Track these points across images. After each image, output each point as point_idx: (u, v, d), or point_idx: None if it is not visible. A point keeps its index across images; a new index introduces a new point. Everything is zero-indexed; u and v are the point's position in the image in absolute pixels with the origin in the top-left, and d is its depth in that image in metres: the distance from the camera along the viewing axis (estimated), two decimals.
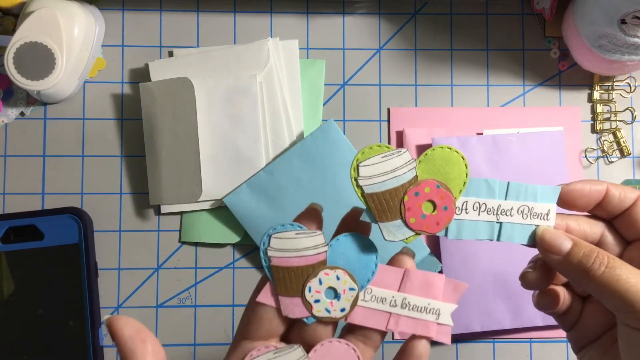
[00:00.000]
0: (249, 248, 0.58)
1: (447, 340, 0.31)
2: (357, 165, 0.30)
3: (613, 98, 0.59)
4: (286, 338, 0.32)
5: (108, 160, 0.58)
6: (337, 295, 0.31)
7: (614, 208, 0.33)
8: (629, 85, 0.59)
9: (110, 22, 0.59)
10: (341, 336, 0.32)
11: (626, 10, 0.49)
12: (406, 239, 0.31)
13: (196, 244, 0.58)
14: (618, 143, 0.59)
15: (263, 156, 0.56)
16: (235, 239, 0.57)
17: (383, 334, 0.32)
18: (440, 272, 0.55)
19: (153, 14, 0.59)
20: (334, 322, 0.31)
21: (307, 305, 0.31)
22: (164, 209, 0.57)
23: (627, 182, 0.58)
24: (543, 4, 0.57)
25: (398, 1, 0.60)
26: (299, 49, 0.58)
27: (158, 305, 0.57)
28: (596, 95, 0.59)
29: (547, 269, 0.34)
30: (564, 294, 0.35)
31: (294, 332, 0.32)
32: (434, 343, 0.31)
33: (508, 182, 0.32)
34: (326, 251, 0.31)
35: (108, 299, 0.57)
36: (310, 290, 0.31)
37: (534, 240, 0.32)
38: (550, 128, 0.57)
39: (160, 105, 0.56)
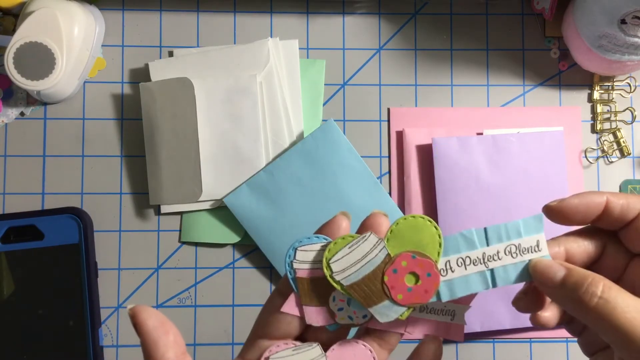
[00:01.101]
0: (249, 248, 0.58)
1: (460, 338, 0.32)
2: (328, 263, 0.30)
3: (613, 98, 0.59)
4: (301, 337, 0.32)
5: (108, 160, 0.58)
6: None
7: (616, 220, 0.31)
8: (629, 85, 0.59)
9: (110, 22, 0.59)
10: (357, 337, 0.32)
11: (626, 10, 0.49)
12: (401, 315, 0.30)
13: (196, 244, 0.58)
14: (618, 143, 0.59)
15: (263, 156, 0.56)
16: (235, 239, 0.57)
17: (399, 336, 0.32)
18: None
19: (153, 14, 0.59)
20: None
21: (331, 314, 0.31)
22: (164, 209, 0.57)
23: (627, 182, 0.58)
24: (543, 4, 0.57)
25: (398, 1, 0.60)
26: (299, 49, 0.58)
27: (158, 305, 0.57)
28: (596, 95, 0.59)
29: (538, 292, 0.32)
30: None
31: (310, 331, 0.32)
32: None
33: (485, 228, 0.31)
34: None
35: (108, 299, 0.57)
36: (334, 300, 0.31)
37: (529, 276, 0.31)
38: (550, 128, 0.57)
39: (160, 105, 0.56)
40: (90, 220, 0.56)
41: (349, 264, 0.30)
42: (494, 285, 0.30)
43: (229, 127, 0.56)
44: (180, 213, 0.57)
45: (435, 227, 0.30)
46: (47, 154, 0.58)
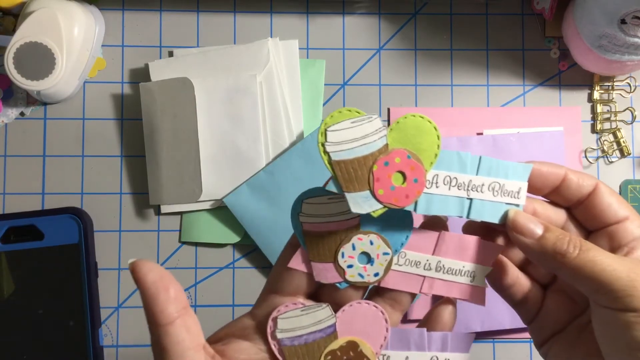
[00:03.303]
0: (249, 248, 0.58)
1: (482, 302, 0.31)
2: (325, 130, 0.28)
3: (613, 98, 0.59)
4: (316, 295, 0.32)
5: (108, 160, 0.58)
6: (370, 260, 0.30)
7: (572, 195, 0.32)
8: (629, 85, 0.59)
9: (110, 22, 0.59)
10: (369, 298, 0.31)
11: (626, 10, 0.49)
12: (374, 211, 0.29)
13: (196, 244, 0.58)
14: (618, 143, 0.59)
15: (263, 156, 0.56)
16: (235, 239, 0.57)
17: (412, 297, 0.31)
18: None
19: (153, 14, 0.59)
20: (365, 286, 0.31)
21: (340, 271, 0.30)
22: (164, 209, 0.57)
23: (627, 182, 0.58)
24: (543, 4, 0.57)
25: (398, 1, 0.60)
26: (299, 49, 0.58)
27: None
28: (596, 95, 0.59)
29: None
30: (521, 278, 0.34)
31: (325, 290, 0.31)
32: None
33: (480, 157, 0.30)
34: (359, 216, 0.30)
35: (108, 299, 0.57)
36: (343, 256, 0.30)
37: (504, 220, 0.31)
38: (550, 128, 0.57)
39: (160, 105, 0.56)
40: (90, 220, 0.56)
41: (345, 139, 0.28)
42: (468, 215, 0.30)
43: (229, 127, 0.56)
44: (180, 213, 0.57)
45: (438, 136, 0.29)
46: (47, 154, 0.58)
